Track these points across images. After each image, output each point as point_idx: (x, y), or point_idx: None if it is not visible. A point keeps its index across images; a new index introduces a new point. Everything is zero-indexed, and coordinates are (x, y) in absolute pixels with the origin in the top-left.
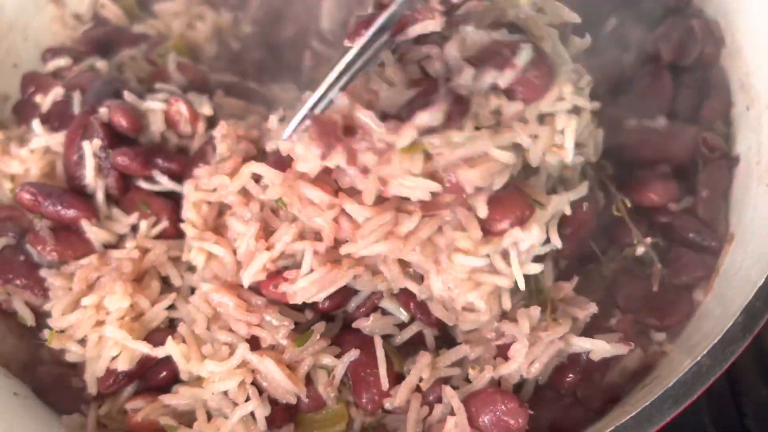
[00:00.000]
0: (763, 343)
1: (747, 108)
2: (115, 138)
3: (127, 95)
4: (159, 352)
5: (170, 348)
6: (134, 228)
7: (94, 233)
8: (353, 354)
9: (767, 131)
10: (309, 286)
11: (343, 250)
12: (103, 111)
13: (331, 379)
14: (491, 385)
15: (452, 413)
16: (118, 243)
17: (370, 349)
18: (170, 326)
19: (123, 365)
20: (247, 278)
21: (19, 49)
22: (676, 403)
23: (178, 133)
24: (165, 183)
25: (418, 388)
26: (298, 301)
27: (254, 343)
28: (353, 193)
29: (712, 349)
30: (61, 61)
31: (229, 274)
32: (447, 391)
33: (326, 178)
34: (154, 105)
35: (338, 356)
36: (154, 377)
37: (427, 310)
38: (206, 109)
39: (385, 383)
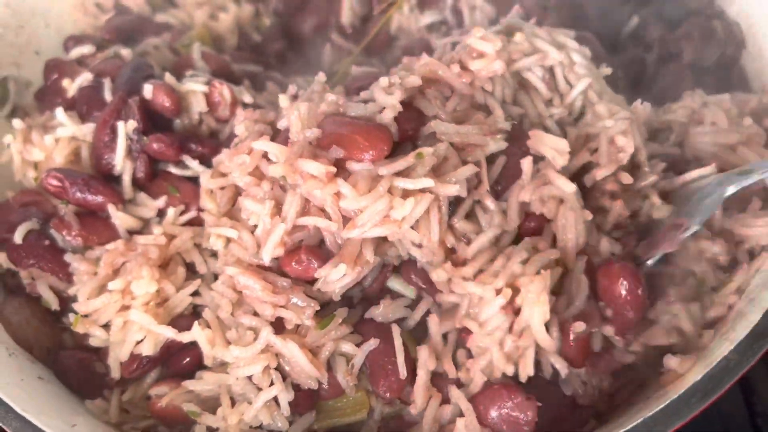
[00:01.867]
0: None
1: None
2: (149, 122)
3: (168, 77)
4: (185, 338)
5: (196, 333)
6: (160, 213)
7: (120, 218)
8: (372, 344)
9: None
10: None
11: (344, 234)
12: (147, 88)
13: (350, 368)
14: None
15: (461, 415)
16: (142, 229)
17: (388, 337)
18: (194, 313)
19: (148, 350)
20: (268, 254)
21: (40, 36)
22: (705, 397)
23: (216, 117)
24: (195, 167)
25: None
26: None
27: (278, 327)
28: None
29: (740, 344)
30: (85, 49)
31: (250, 255)
32: (453, 392)
33: (325, 154)
34: (196, 87)
35: (359, 345)
36: (178, 363)
37: (427, 278)
38: (247, 97)
39: (402, 371)
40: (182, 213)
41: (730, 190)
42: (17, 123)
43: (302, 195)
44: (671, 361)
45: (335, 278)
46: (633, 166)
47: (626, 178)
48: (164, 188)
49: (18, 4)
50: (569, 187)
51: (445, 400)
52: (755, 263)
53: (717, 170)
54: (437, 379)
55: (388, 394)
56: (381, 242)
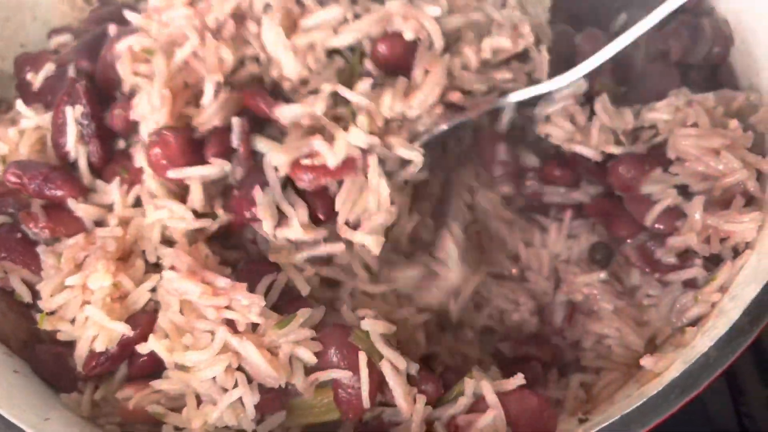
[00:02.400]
0: (763, 343)
1: None
2: (97, 104)
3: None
4: (143, 350)
5: (153, 345)
6: None
7: (82, 210)
8: (335, 373)
9: None
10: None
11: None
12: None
13: (312, 379)
14: None
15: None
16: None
17: (353, 353)
18: (155, 309)
19: (101, 346)
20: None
21: (27, 29)
22: (683, 394)
23: None
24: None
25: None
26: None
27: (234, 326)
28: None
29: (720, 341)
30: (62, 38)
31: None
32: (485, 386)
33: None
34: None
35: (318, 354)
36: (137, 362)
37: None
38: None
39: (366, 403)
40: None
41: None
42: None
43: None
44: (647, 361)
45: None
46: None
47: None
48: (117, 171)
49: None
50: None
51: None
52: (739, 260)
53: (701, 176)
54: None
55: (350, 416)
56: None
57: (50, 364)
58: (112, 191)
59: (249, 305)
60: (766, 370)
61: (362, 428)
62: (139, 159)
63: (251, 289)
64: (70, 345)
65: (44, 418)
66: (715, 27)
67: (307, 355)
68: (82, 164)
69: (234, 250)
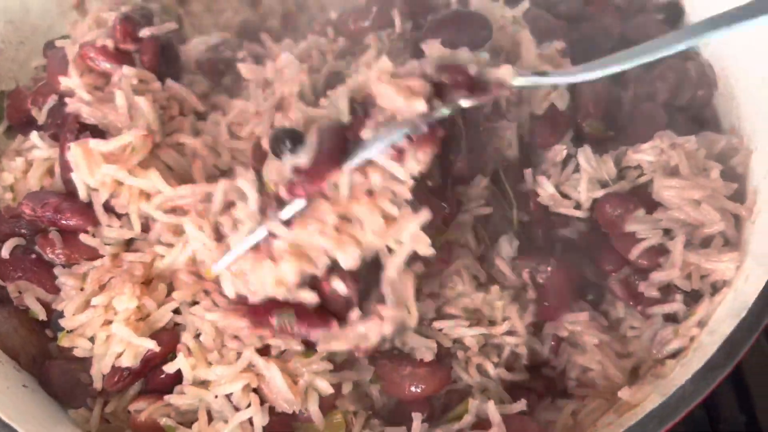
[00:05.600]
0: (741, 371)
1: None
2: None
3: None
4: (170, 369)
5: (181, 363)
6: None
7: (96, 243)
8: None
9: (752, 174)
10: None
11: None
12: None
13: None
14: None
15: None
16: (129, 244)
17: None
18: (174, 327)
19: (127, 361)
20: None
21: (41, 51)
22: (660, 424)
23: None
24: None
25: None
26: None
27: (261, 350)
28: None
29: (696, 375)
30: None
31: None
32: (490, 406)
33: None
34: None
35: (335, 386)
36: (157, 378)
37: None
38: None
39: None
40: None
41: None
42: None
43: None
44: (624, 393)
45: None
46: None
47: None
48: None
49: (20, 21)
50: None
51: None
52: (717, 297)
53: (682, 222)
54: None
55: None
56: None
57: (60, 379)
58: (123, 235)
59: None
60: (744, 396)
61: None
62: None
63: None
64: (83, 362)
65: None
66: (700, 71)
67: (324, 386)
68: (97, 207)
69: None
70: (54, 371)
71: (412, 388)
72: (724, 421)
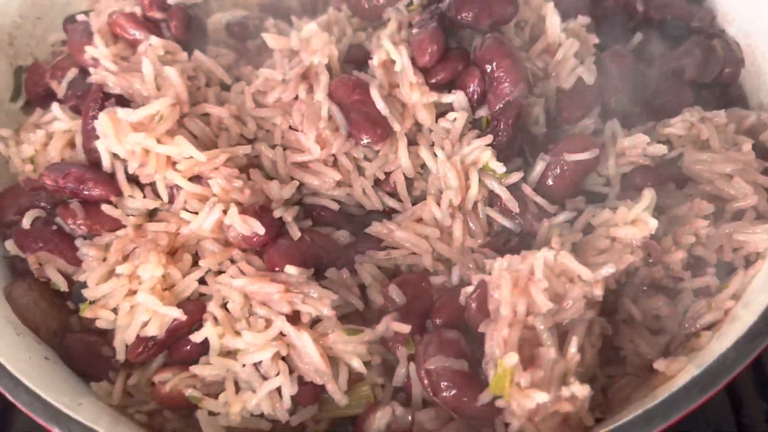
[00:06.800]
0: (763, 359)
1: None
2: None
3: None
4: (197, 338)
5: (208, 332)
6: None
7: (118, 214)
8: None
9: None
10: None
11: None
12: None
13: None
14: None
15: None
16: (151, 216)
17: None
18: (200, 297)
19: (153, 330)
20: None
21: (58, 29)
22: (702, 391)
23: None
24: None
25: None
26: None
27: (291, 319)
28: None
29: (738, 342)
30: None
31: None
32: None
33: None
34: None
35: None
36: (182, 349)
37: None
38: None
39: None
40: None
41: None
42: (4, 132)
43: None
44: (660, 365)
45: None
46: None
47: None
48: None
49: None
50: None
51: None
52: (751, 269)
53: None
54: None
55: None
56: None
57: (82, 352)
58: (146, 205)
59: (320, 298)
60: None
61: None
62: None
63: None
64: (105, 334)
65: (78, 403)
66: (726, 48)
67: (358, 365)
68: (120, 177)
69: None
70: (75, 344)
71: None
72: (746, 406)
